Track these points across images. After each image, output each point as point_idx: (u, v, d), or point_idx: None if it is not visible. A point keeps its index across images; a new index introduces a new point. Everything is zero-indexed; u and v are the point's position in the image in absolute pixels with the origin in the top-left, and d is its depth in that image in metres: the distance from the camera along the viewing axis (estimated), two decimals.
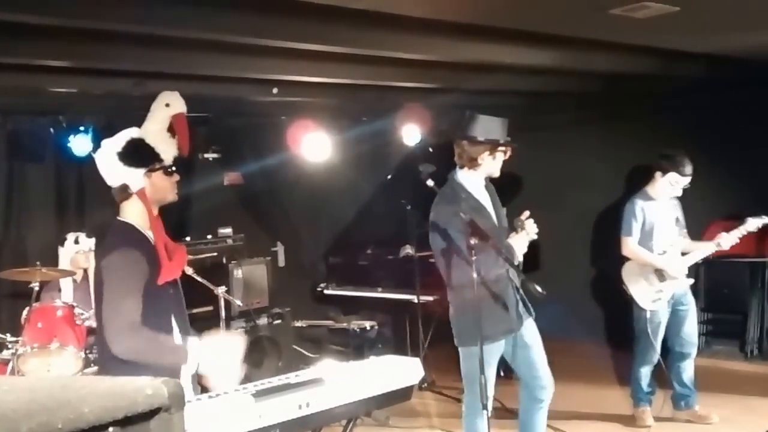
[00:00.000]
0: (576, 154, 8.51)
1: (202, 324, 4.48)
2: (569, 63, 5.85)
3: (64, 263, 5.89)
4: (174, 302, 3.13)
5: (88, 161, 6.28)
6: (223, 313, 6.12)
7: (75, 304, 5.55)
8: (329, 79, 5.99)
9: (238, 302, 6.36)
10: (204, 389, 3.09)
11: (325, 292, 8.12)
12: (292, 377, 2.90)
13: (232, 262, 6.92)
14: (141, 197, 3.06)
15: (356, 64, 5.63)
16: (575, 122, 8.45)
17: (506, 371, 5.40)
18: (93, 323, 5.36)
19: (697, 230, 5.84)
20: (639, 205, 5.54)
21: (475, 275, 3.76)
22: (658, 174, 5.49)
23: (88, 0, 3.78)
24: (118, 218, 3.10)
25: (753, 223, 5.39)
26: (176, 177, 3.18)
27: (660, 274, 5.52)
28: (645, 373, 5.70)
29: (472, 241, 3.72)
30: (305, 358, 7.11)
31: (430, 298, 6.92)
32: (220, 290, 5.93)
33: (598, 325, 8.31)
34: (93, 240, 5.79)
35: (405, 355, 3.44)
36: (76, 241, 5.88)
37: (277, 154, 7.74)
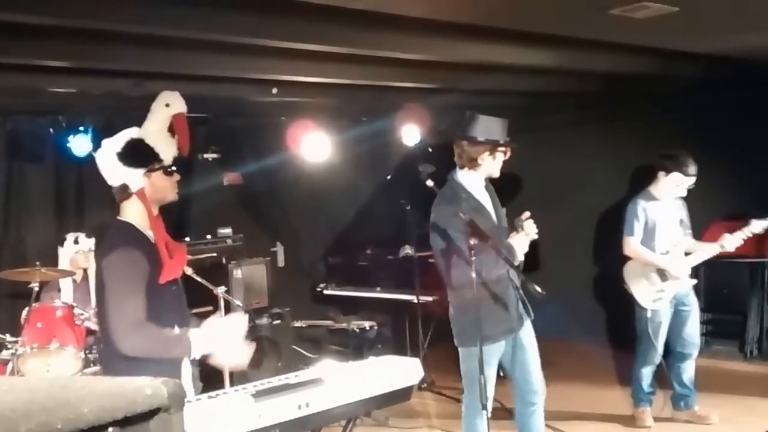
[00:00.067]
0: (575, 154, 8.51)
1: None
2: (568, 63, 5.86)
3: (63, 263, 5.89)
4: (176, 300, 3.14)
5: (88, 161, 6.30)
6: (222, 314, 6.11)
7: (74, 304, 5.54)
8: (329, 80, 5.99)
9: (238, 302, 6.34)
10: (210, 379, 3.11)
11: (325, 292, 8.12)
12: (291, 377, 2.90)
13: (232, 262, 6.92)
14: (140, 197, 3.07)
15: (355, 65, 5.63)
16: (574, 122, 8.45)
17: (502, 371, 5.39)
18: (92, 323, 5.36)
19: (697, 230, 5.84)
20: (641, 205, 5.53)
21: (474, 275, 3.75)
22: (661, 174, 5.48)
23: (87, 0, 3.78)
24: (118, 218, 3.11)
25: (757, 225, 5.38)
26: (176, 177, 3.18)
27: (662, 274, 5.52)
28: (646, 373, 5.69)
29: (472, 242, 3.72)
30: (305, 358, 7.10)
31: (430, 299, 6.92)
32: (220, 290, 5.92)
33: (599, 326, 8.31)
34: (92, 240, 5.79)
35: (404, 356, 3.44)
36: (76, 242, 5.88)
37: (277, 155, 7.74)
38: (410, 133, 7.65)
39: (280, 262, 8.58)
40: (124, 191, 3.07)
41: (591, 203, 8.24)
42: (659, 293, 5.52)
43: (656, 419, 5.77)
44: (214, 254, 7.05)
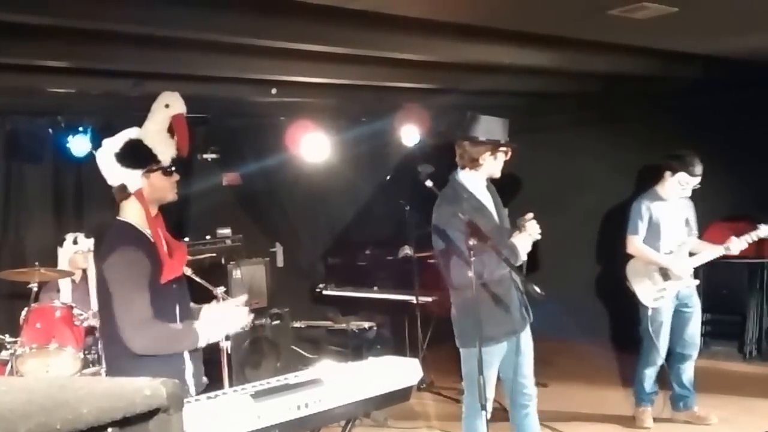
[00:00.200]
0: (575, 155, 8.52)
1: None
2: (568, 64, 5.86)
3: (62, 264, 5.89)
4: (178, 298, 3.15)
5: (87, 162, 6.31)
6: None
7: (74, 304, 5.54)
8: (328, 80, 6.00)
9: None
10: (210, 379, 3.13)
11: (324, 292, 8.12)
12: (290, 378, 2.90)
13: (231, 262, 6.91)
14: (139, 198, 3.07)
15: (355, 65, 5.63)
16: (574, 123, 8.45)
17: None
18: (91, 324, 5.36)
19: (697, 231, 5.84)
20: (645, 204, 5.54)
21: (472, 275, 3.74)
22: (667, 174, 5.48)
23: (87, 0, 3.77)
24: (118, 218, 3.12)
25: (765, 230, 5.38)
26: (176, 177, 3.19)
27: (664, 273, 5.53)
28: (649, 374, 5.68)
29: (471, 242, 3.72)
30: (304, 358, 7.10)
31: (429, 299, 6.93)
32: (219, 291, 5.91)
33: (600, 326, 8.31)
34: (91, 240, 5.78)
35: (404, 356, 3.43)
36: (75, 242, 5.88)
37: (276, 155, 7.75)
38: (409, 134, 7.66)
39: (280, 262, 8.59)
40: (123, 191, 3.08)
41: (591, 204, 8.24)
42: (660, 292, 5.53)
43: (655, 420, 5.77)
44: (214, 254, 7.04)
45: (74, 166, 6.86)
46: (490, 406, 4.06)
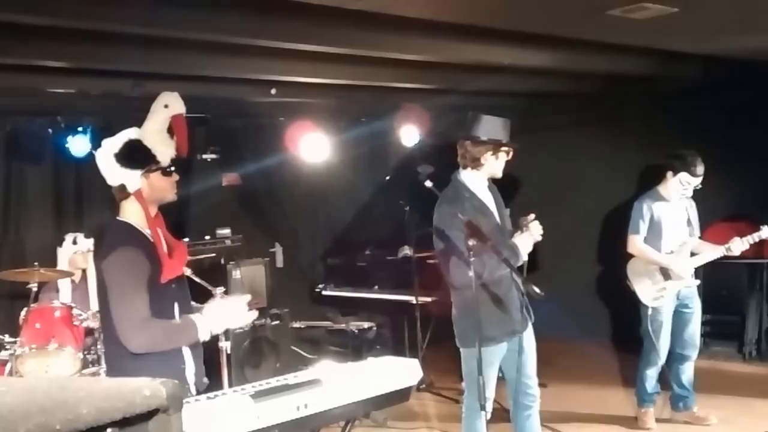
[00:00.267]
0: (575, 155, 8.52)
1: None
2: (568, 64, 5.86)
3: (62, 264, 5.89)
4: (178, 298, 3.15)
5: (87, 162, 6.31)
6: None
7: (73, 304, 5.54)
8: (327, 80, 6.00)
9: None
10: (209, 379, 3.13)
11: (324, 292, 8.12)
12: (290, 378, 2.90)
13: (231, 262, 6.91)
14: (138, 198, 3.08)
15: (355, 65, 5.63)
16: (574, 124, 8.46)
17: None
18: (91, 324, 5.36)
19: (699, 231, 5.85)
20: (647, 204, 5.54)
21: (472, 275, 3.74)
22: (669, 174, 5.48)
23: (87, 0, 3.77)
24: (118, 218, 3.12)
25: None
26: (175, 177, 3.18)
27: (665, 273, 5.53)
28: (650, 374, 5.67)
29: (471, 243, 3.72)
30: (303, 359, 7.10)
31: (429, 299, 6.92)
32: (218, 291, 5.91)
33: (601, 326, 8.32)
34: (91, 240, 5.78)
35: (403, 356, 3.43)
36: (75, 242, 5.88)
37: (276, 155, 7.74)
38: (409, 134, 7.65)
39: (279, 262, 8.58)
40: (123, 191, 3.08)
41: (591, 204, 8.25)
42: (660, 291, 5.53)
43: (655, 420, 5.77)
44: (213, 255, 7.04)
45: (74, 166, 6.87)
46: (490, 406, 4.06)
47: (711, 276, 6.82)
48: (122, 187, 3.08)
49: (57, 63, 4.83)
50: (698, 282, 5.68)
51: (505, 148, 4.23)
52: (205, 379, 3.27)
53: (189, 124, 3.27)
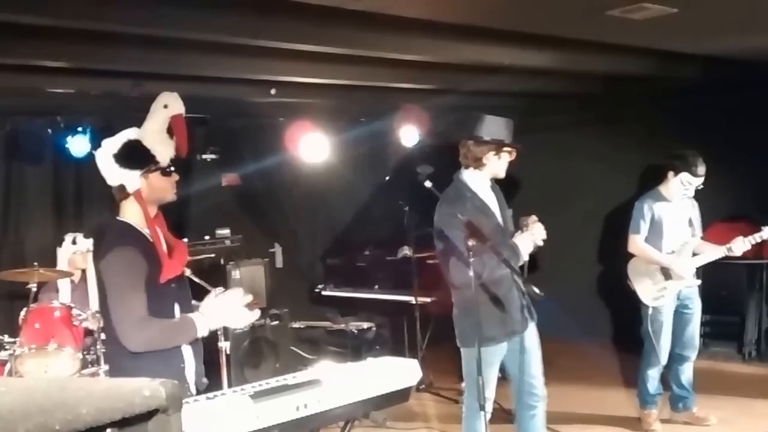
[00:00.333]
0: (575, 155, 8.52)
1: None
2: (568, 64, 5.86)
3: (62, 264, 5.89)
4: (178, 298, 3.15)
5: (86, 162, 6.31)
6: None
7: (73, 305, 5.54)
8: (327, 80, 6.00)
9: None
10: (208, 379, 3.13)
11: (323, 293, 8.11)
12: (289, 378, 2.90)
13: (230, 263, 6.91)
14: (137, 198, 3.08)
15: (354, 65, 5.63)
16: (573, 124, 8.46)
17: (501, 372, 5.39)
18: (90, 324, 5.36)
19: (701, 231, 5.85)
20: (648, 204, 5.55)
21: (471, 275, 3.74)
22: (670, 174, 5.48)
23: (87, 0, 3.77)
24: (118, 218, 3.12)
25: None
26: (175, 177, 3.18)
27: (665, 273, 5.53)
28: (652, 375, 5.66)
29: (470, 243, 3.72)
30: (303, 359, 7.10)
31: (428, 299, 6.92)
32: (218, 291, 5.91)
33: (602, 327, 8.31)
34: (91, 241, 5.78)
35: (403, 357, 3.43)
36: (74, 242, 5.88)
37: (275, 155, 7.74)
38: (409, 134, 7.65)
39: (279, 262, 8.58)
40: (123, 191, 3.08)
41: (591, 204, 8.24)
42: (661, 291, 5.53)
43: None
44: (213, 255, 7.04)
45: (73, 167, 6.87)
46: (489, 407, 4.06)
47: (711, 276, 6.82)
48: (122, 188, 3.08)
49: (57, 63, 4.83)
50: (699, 282, 5.68)
51: (508, 149, 4.23)
52: (205, 379, 3.27)
53: (188, 125, 3.27)
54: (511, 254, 3.96)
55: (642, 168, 7.24)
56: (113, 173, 3.07)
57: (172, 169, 3.16)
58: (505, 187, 4.49)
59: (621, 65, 6.01)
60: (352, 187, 8.73)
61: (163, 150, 3.12)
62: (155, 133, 3.14)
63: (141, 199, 3.08)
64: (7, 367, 5.21)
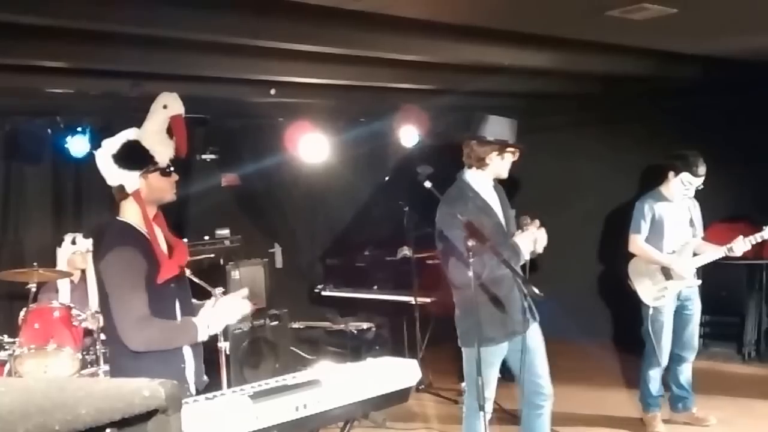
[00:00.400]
0: (575, 156, 8.52)
1: None
2: (568, 65, 5.86)
3: (61, 264, 5.89)
4: (178, 297, 3.15)
5: (86, 162, 6.30)
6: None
7: (72, 305, 5.54)
8: (327, 81, 6.00)
9: None
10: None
11: (323, 293, 8.12)
12: (289, 379, 2.90)
13: (230, 263, 6.91)
14: (137, 198, 3.08)
15: (354, 66, 5.63)
16: (573, 124, 8.46)
17: (503, 373, 5.38)
18: (90, 324, 5.36)
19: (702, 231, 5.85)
20: (649, 204, 5.55)
21: (471, 275, 3.74)
22: (671, 174, 5.48)
23: (87, 1, 3.77)
24: (117, 218, 3.12)
25: None
26: (175, 177, 3.19)
27: (666, 273, 5.53)
28: (653, 375, 5.64)
29: (470, 243, 3.71)
30: (302, 359, 7.10)
31: (428, 300, 6.92)
32: (217, 291, 5.91)
33: (603, 327, 8.31)
34: (90, 241, 5.78)
35: (402, 357, 3.43)
36: (74, 242, 5.88)
37: (275, 156, 7.74)
38: (408, 135, 7.65)
39: (278, 263, 8.58)
40: (122, 191, 3.09)
41: (591, 204, 8.24)
42: (661, 291, 5.53)
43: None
44: (212, 255, 7.04)
45: (73, 167, 6.86)
46: (489, 407, 4.05)
47: (710, 277, 6.82)
48: (121, 188, 3.08)
49: (56, 63, 4.83)
50: (700, 282, 5.68)
51: (511, 149, 4.22)
52: (205, 378, 3.27)
53: (188, 125, 3.27)
54: (511, 254, 3.95)
55: (642, 168, 7.25)
56: (113, 173, 3.07)
57: (172, 169, 3.16)
58: (505, 187, 4.49)
59: (621, 65, 6.00)
60: (351, 188, 8.73)
61: (163, 150, 3.13)
62: (155, 133, 3.14)
63: (140, 199, 3.08)
64: (7, 367, 5.21)
